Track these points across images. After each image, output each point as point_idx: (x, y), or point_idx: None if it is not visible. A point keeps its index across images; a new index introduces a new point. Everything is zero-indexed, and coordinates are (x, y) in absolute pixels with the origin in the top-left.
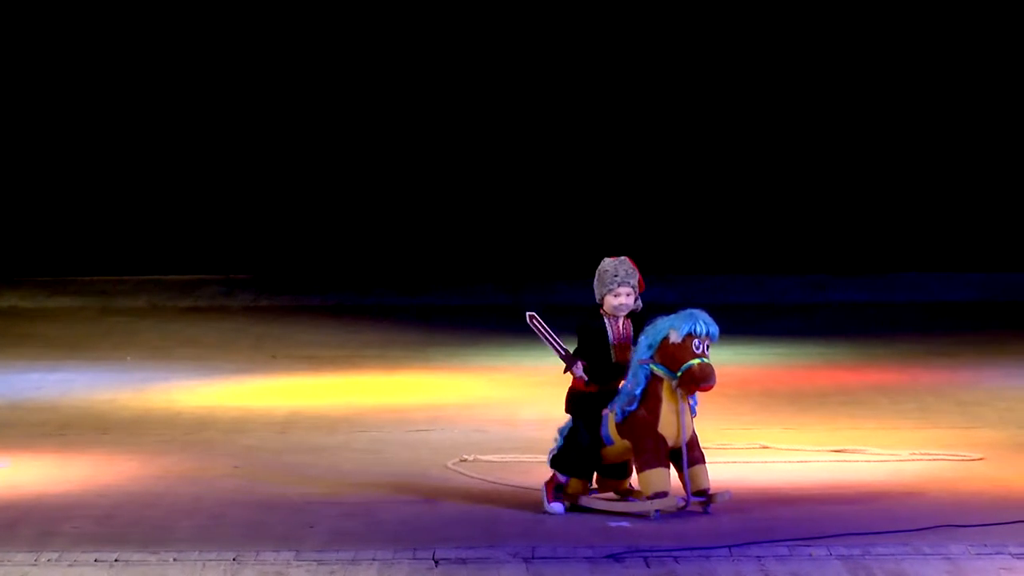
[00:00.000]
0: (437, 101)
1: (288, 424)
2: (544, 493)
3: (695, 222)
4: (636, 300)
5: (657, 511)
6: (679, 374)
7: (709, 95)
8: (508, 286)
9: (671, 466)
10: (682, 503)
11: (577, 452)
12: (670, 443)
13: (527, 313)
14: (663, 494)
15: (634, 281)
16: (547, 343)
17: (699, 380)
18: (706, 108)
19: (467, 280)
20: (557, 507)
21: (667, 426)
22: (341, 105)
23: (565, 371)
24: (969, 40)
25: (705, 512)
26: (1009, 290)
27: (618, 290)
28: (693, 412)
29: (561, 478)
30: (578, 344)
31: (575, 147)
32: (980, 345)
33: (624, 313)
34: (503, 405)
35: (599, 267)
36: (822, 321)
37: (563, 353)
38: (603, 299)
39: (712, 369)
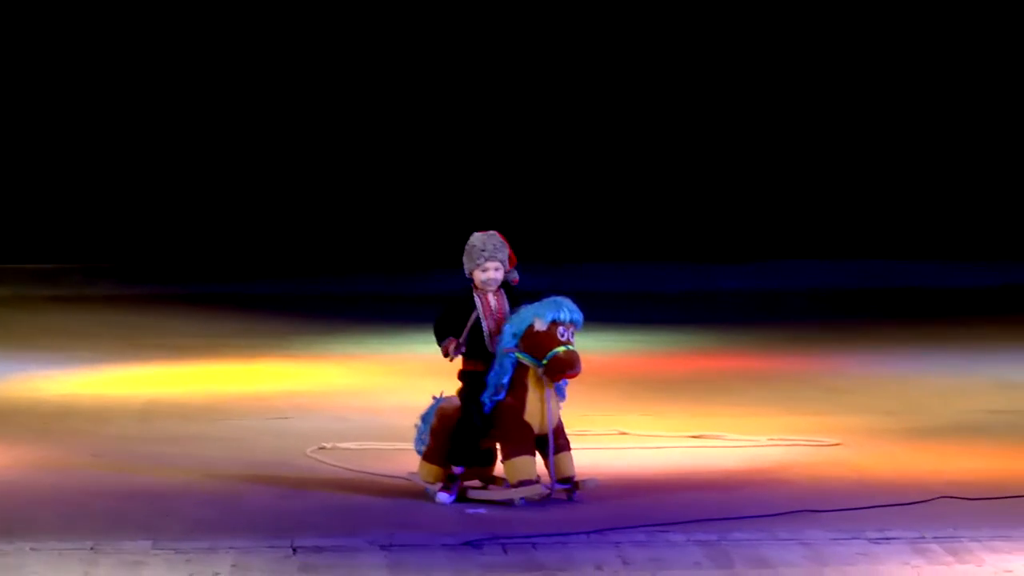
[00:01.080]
0: (301, 88)
1: (148, 413)
2: (418, 479)
3: (563, 208)
4: (509, 273)
5: (523, 499)
6: (545, 362)
7: (573, 83)
8: (368, 275)
9: (537, 453)
10: (547, 491)
11: (472, 437)
12: (536, 430)
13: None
14: (529, 482)
15: (502, 255)
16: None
17: (565, 367)
18: (576, 94)
19: (327, 269)
20: (446, 497)
21: (533, 414)
22: (200, 91)
23: (444, 355)
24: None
25: (571, 499)
26: (869, 277)
27: (486, 264)
28: (562, 397)
29: (457, 470)
30: (443, 315)
31: (441, 134)
32: (840, 332)
33: (493, 287)
34: (363, 393)
35: (468, 242)
36: (684, 308)
37: (439, 344)
38: (472, 274)
39: (577, 356)
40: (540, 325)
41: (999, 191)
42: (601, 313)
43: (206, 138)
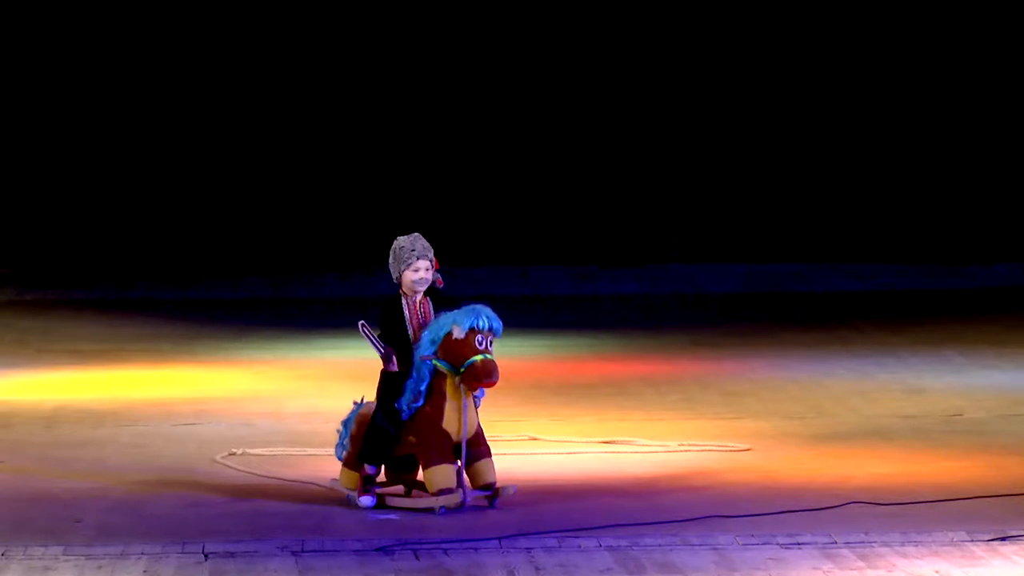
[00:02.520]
0: (208, 90)
1: (54, 418)
2: (339, 486)
3: (460, 213)
4: (436, 275)
5: (443, 507)
6: (462, 370)
7: (470, 86)
8: (273, 280)
9: (456, 462)
10: (464, 499)
11: (384, 439)
12: (454, 439)
13: (359, 322)
14: (449, 490)
15: (431, 255)
16: (372, 346)
17: (481, 376)
18: (473, 97)
19: (231, 274)
20: (367, 500)
21: (451, 422)
22: (105, 95)
23: (384, 367)
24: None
25: (491, 506)
26: (772, 281)
27: (416, 264)
28: (477, 404)
29: (370, 469)
30: (380, 331)
31: (349, 140)
32: (745, 336)
33: (423, 288)
34: (269, 398)
35: (393, 246)
36: (589, 313)
37: (381, 351)
38: (401, 277)
39: (495, 365)
40: (458, 333)
41: (904, 196)
42: (503, 317)
43: (107, 142)
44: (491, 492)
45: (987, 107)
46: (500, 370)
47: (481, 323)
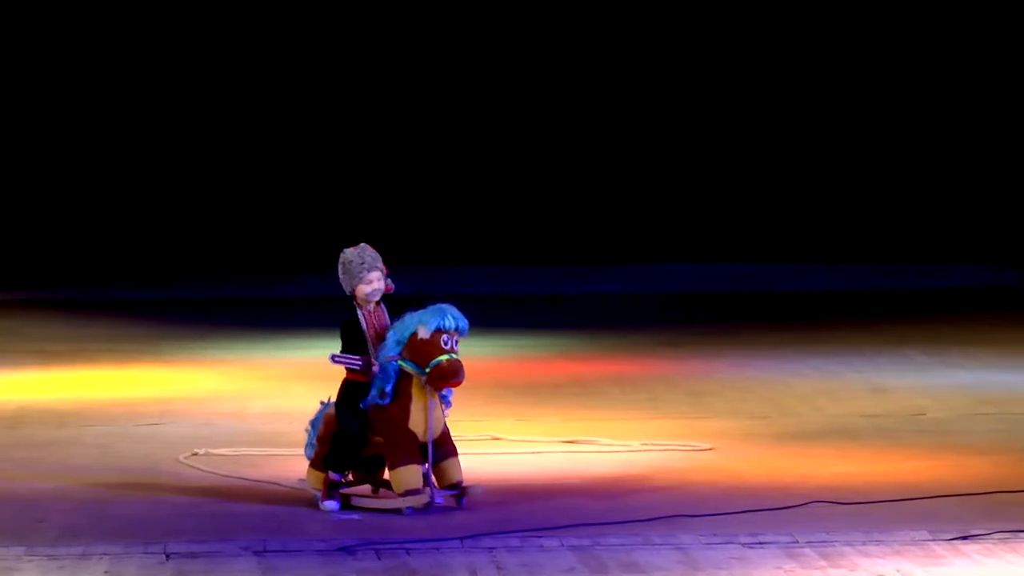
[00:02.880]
0: (171, 91)
1: (17, 419)
2: (307, 486)
3: (428, 212)
4: (387, 281)
5: (410, 508)
6: (427, 370)
7: (426, 88)
8: (237, 280)
9: (424, 462)
10: (429, 499)
11: (349, 445)
12: (420, 439)
13: (330, 356)
14: (416, 491)
15: (381, 264)
16: (350, 367)
17: (447, 376)
18: (430, 98)
19: (196, 274)
20: (332, 504)
21: (417, 423)
22: (68, 95)
23: (368, 378)
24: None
25: (459, 506)
26: (737, 281)
27: (369, 276)
28: (447, 405)
29: (334, 476)
30: (342, 344)
31: (307, 140)
32: (710, 335)
33: (377, 298)
34: (232, 399)
35: (341, 260)
36: (554, 312)
37: (359, 366)
38: (355, 290)
39: (460, 365)
40: (424, 333)
41: (869, 196)
42: (469, 317)
43: (70, 142)
44: (458, 491)
45: (955, 111)
46: (466, 370)
47: (447, 323)
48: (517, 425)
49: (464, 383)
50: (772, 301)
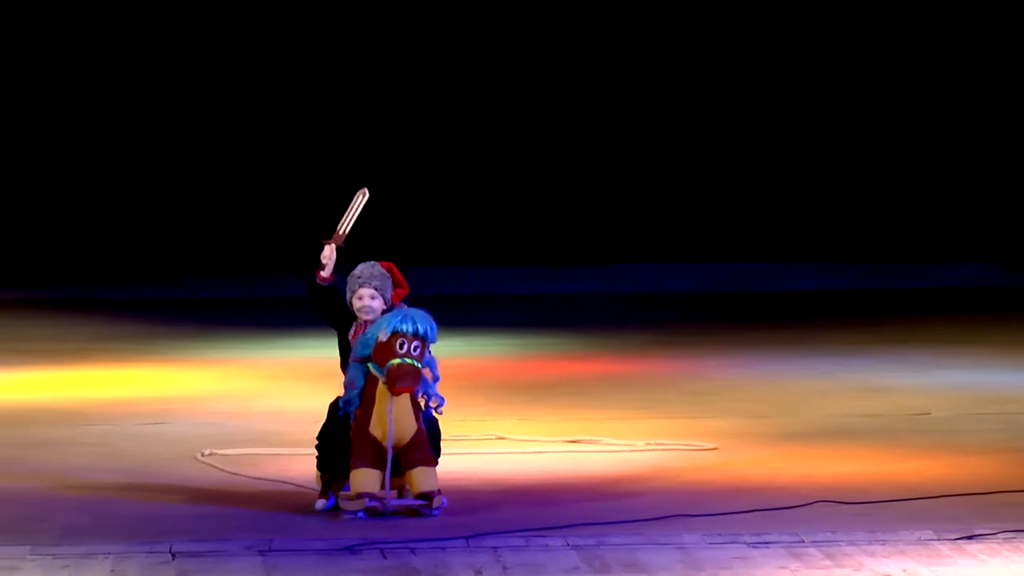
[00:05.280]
0: (163, 90)
1: (18, 418)
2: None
3: (419, 213)
4: (386, 303)
5: (361, 511)
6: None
7: (419, 87)
8: (237, 279)
9: (381, 467)
10: (376, 505)
11: (328, 445)
12: (382, 442)
13: (364, 189)
14: (367, 495)
15: (378, 283)
16: (345, 218)
17: (393, 381)
18: (423, 98)
19: (196, 273)
20: (321, 503)
21: (378, 426)
22: (60, 94)
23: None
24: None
25: (431, 514)
26: (731, 280)
27: (360, 292)
28: (436, 411)
29: (327, 475)
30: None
31: (302, 138)
32: (709, 335)
33: (368, 316)
34: (234, 398)
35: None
36: (551, 312)
37: (335, 233)
38: (351, 303)
39: (409, 369)
40: (383, 336)
41: (866, 196)
42: (467, 317)
43: (64, 142)
44: (427, 502)
45: (948, 111)
46: (464, 368)
47: (406, 327)
48: (518, 425)
49: (465, 382)
50: (772, 301)
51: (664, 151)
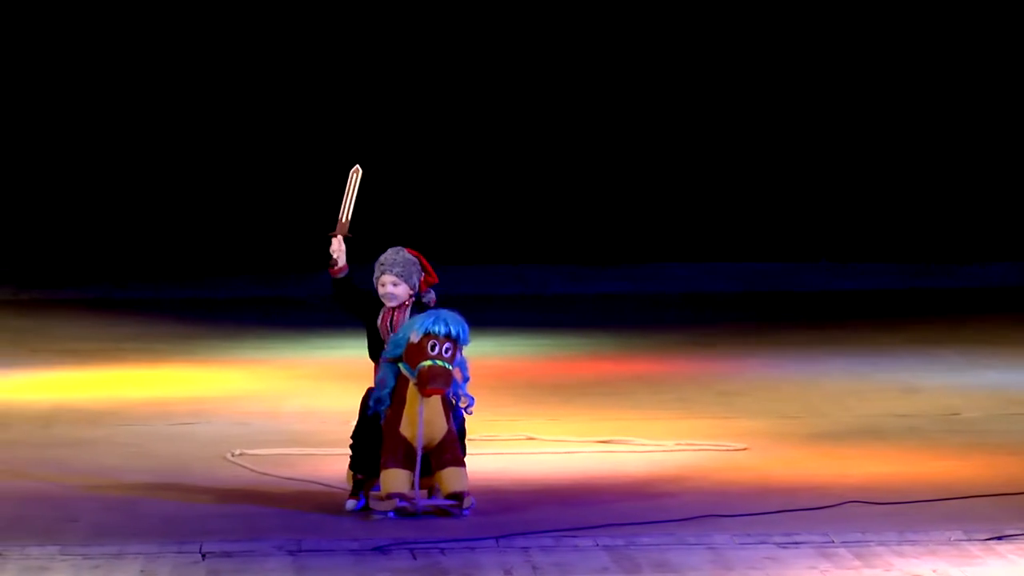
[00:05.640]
0: (195, 87)
1: (50, 418)
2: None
3: (454, 211)
4: (425, 294)
5: (392, 511)
6: (415, 374)
7: (451, 84)
8: (269, 279)
9: (411, 468)
10: (406, 505)
11: (360, 445)
12: (411, 443)
13: (356, 166)
14: (397, 495)
15: (400, 269)
16: (343, 204)
17: (424, 382)
18: (458, 96)
19: (228, 272)
20: (351, 503)
21: (408, 426)
22: (92, 94)
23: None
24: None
25: (461, 515)
26: (766, 280)
27: (383, 279)
28: (466, 411)
29: (359, 475)
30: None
31: (336, 141)
32: (740, 335)
33: (392, 303)
34: (266, 398)
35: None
36: (583, 312)
37: (339, 223)
38: (375, 287)
39: (440, 371)
40: (414, 337)
41: (899, 195)
42: (500, 317)
43: (99, 140)
44: (455, 501)
45: (982, 107)
46: (495, 369)
47: (438, 328)
48: (549, 425)
49: (497, 382)
50: (802, 301)
51: (698, 151)
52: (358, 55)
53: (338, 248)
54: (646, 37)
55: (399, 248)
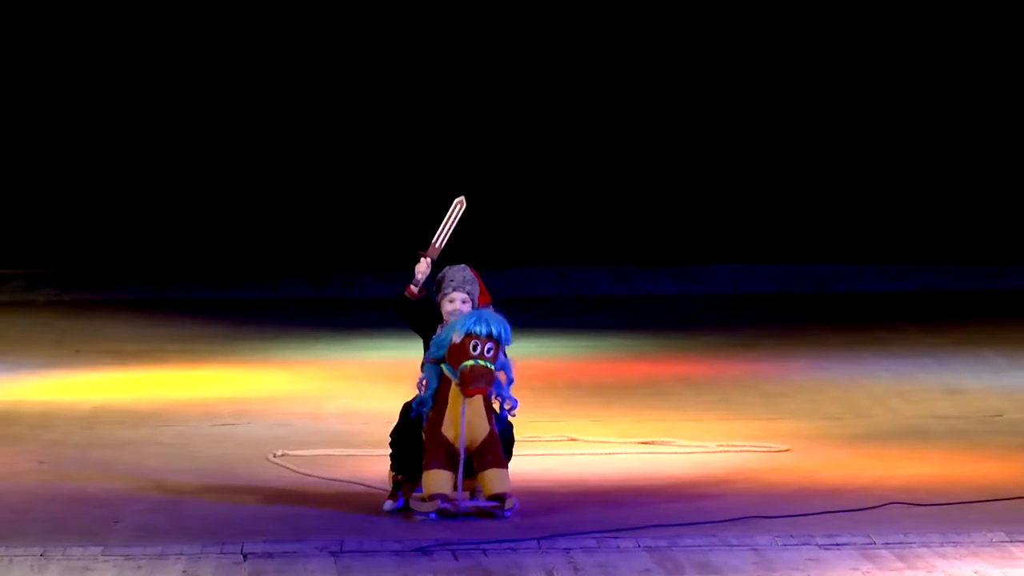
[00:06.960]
0: (237, 90)
1: (93, 419)
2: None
3: (498, 212)
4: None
5: (433, 512)
6: (457, 375)
7: (487, 86)
8: (312, 280)
9: (453, 469)
10: (447, 506)
11: (400, 446)
12: (453, 444)
13: (461, 198)
14: (439, 496)
15: (470, 288)
16: (441, 230)
17: (466, 383)
18: (493, 97)
19: (270, 274)
20: (388, 504)
21: (449, 428)
22: (134, 96)
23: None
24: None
25: (503, 516)
26: (809, 281)
27: (452, 295)
28: (509, 413)
29: (399, 476)
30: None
31: (375, 138)
32: (783, 336)
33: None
34: (308, 399)
35: (441, 272)
36: (626, 313)
37: (431, 246)
38: (440, 305)
39: (482, 371)
40: (456, 337)
41: (943, 196)
42: (543, 318)
43: (142, 142)
44: (498, 503)
45: (1018, 113)
46: (537, 370)
47: (479, 328)
48: (591, 426)
49: (538, 384)
50: (843, 302)
51: (743, 152)
52: (405, 57)
53: (424, 270)
54: (696, 37)
55: (464, 266)
